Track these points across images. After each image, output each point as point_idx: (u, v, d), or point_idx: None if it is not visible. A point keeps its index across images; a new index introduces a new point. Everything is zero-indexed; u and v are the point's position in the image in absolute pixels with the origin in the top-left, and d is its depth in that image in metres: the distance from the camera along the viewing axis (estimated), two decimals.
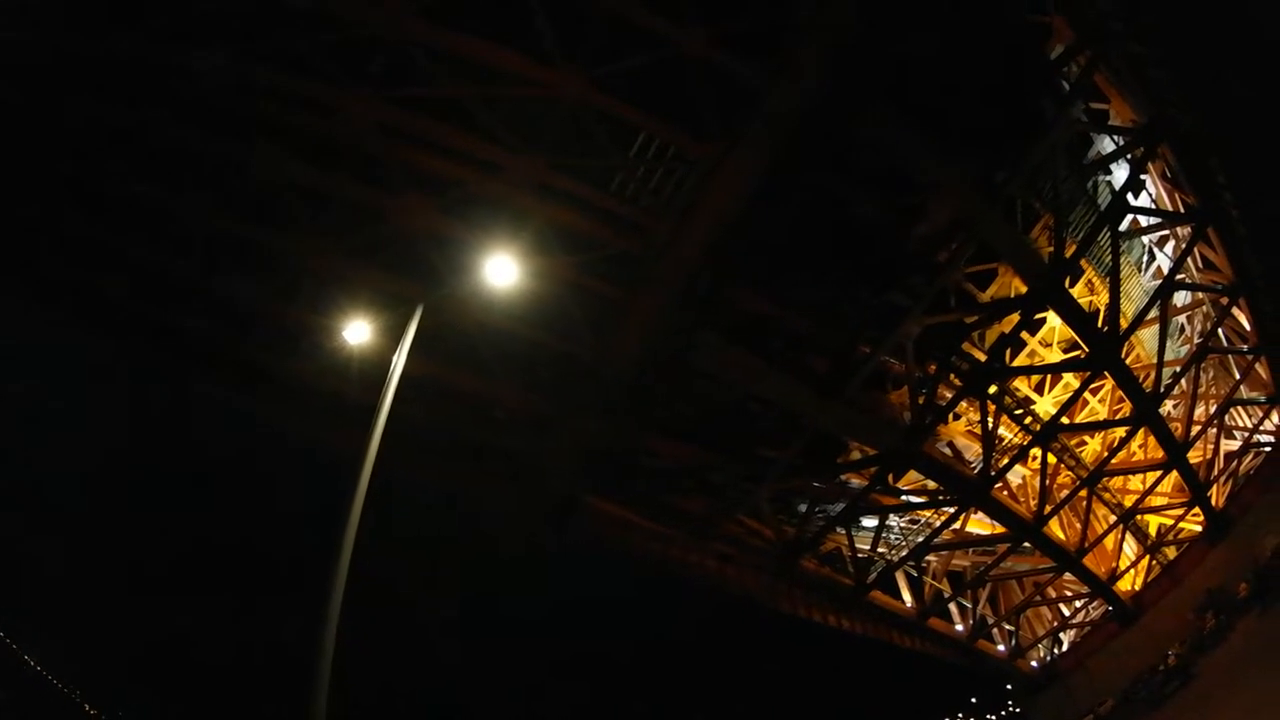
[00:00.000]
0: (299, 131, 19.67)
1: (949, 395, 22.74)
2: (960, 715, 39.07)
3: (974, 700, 38.57)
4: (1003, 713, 38.21)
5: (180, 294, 20.46)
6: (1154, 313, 26.28)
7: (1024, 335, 25.30)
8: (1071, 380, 26.69)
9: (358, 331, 17.46)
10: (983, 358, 23.41)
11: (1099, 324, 24.63)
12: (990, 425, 23.24)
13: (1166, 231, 28.57)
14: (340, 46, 18.81)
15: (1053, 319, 25.89)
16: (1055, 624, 33.68)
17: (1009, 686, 35.90)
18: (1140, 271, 29.03)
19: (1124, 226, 26.26)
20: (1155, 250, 29.54)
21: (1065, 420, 25.54)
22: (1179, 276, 27.16)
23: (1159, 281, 27.40)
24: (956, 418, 25.23)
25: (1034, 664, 34.34)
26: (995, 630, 31.02)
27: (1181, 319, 32.11)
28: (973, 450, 25.39)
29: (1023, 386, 26.55)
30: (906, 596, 26.58)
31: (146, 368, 21.93)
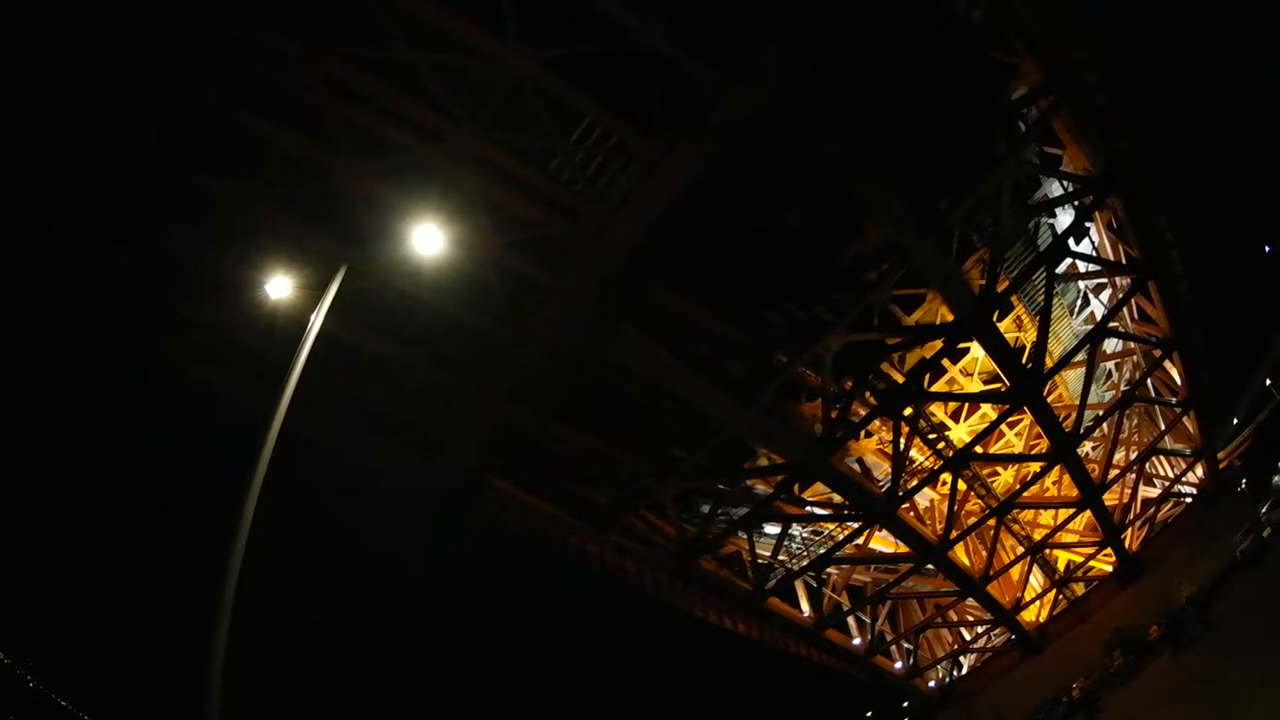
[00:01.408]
0: (249, 76, 19.51)
1: (863, 412, 23.08)
2: None
3: (869, 714, 39.31)
4: None
5: (115, 233, 20.26)
6: (1082, 355, 26.72)
7: (945, 362, 25.73)
8: (989, 411, 27.18)
9: (279, 286, 17.40)
10: (901, 380, 23.77)
11: (1023, 360, 25.11)
12: (902, 446, 23.57)
13: (1104, 280, 29.05)
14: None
15: (976, 350, 26.33)
16: (956, 646, 34.36)
17: (905, 704, 36.57)
18: (1072, 315, 29.60)
19: (1061, 269, 26.68)
20: (1090, 296, 30.08)
21: (979, 449, 26.04)
22: (1113, 324, 27.63)
23: (1090, 326, 27.94)
24: (869, 435, 25.63)
25: (931, 684, 34.99)
26: (894, 647, 31.61)
27: (1110, 365, 32.80)
28: (882, 469, 25.80)
29: (939, 412, 27.01)
30: (805, 606, 27.00)
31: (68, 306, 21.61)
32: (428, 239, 16.42)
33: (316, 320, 14.49)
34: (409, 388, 20.19)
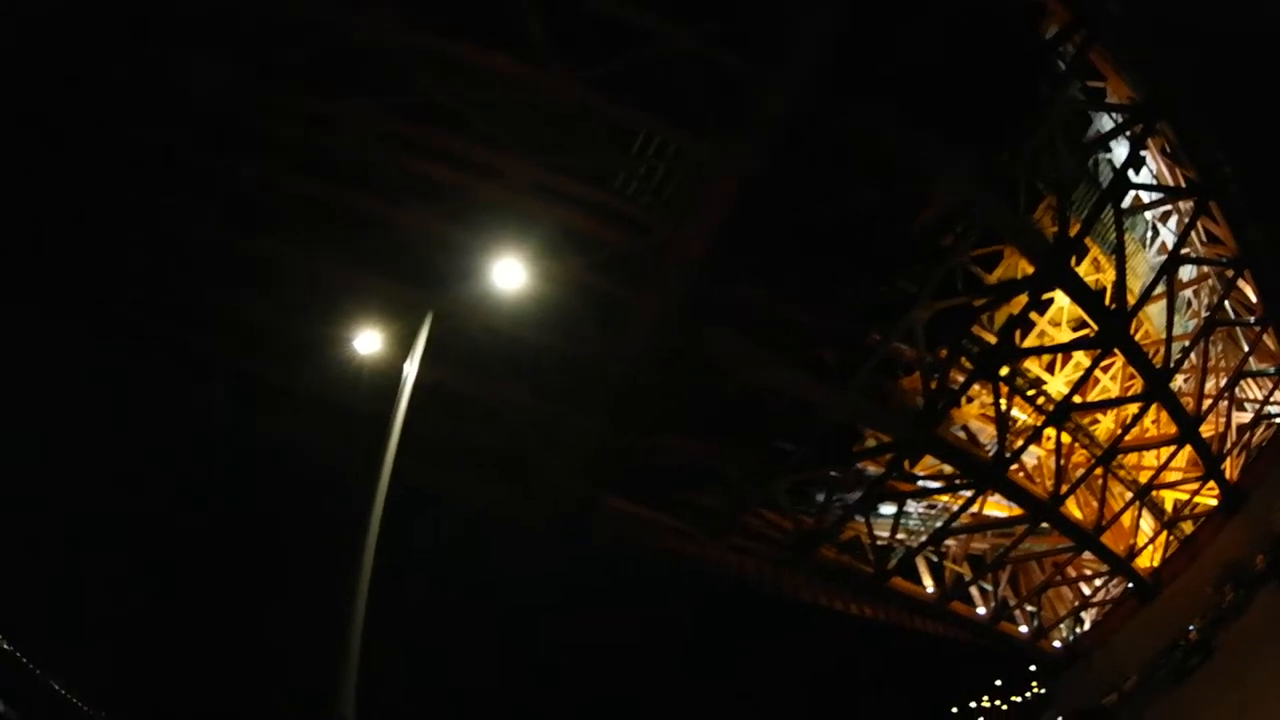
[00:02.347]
0: (297, 142, 19.78)
1: (960, 379, 22.71)
2: (985, 699, 39.04)
3: (999, 683, 38.53)
4: (1028, 694, 38.06)
5: (184, 309, 20.58)
6: (1160, 288, 26.17)
7: (1033, 316, 25.28)
8: (1082, 359, 26.61)
9: (368, 341, 17.51)
10: (993, 340, 23.35)
11: (1106, 302, 24.60)
12: (1003, 407, 23.21)
13: (1169, 207, 28.48)
14: (330, 56, 18.95)
15: (1061, 298, 25.83)
16: (1076, 603, 33.57)
17: (1032, 668, 35.80)
18: (1145, 248, 28.97)
19: (1127, 203, 26.17)
20: (1159, 226, 29.45)
21: (1077, 399, 25.50)
22: (1184, 251, 27.09)
23: (1164, 257, 27.35)
24: (969, 401, 25.21)
25: (1056, 644, 34.26)
26: (1017, 612, 30.95)
27: (1188, 293, 32.01)
28: (987, 433, 25.36)
29: (1034, 367, 26.50)
30: (927, 581, 26.55)
31: (153, 382, 22.03)
32: (508, 273, 16.36)
33: (411, 369, 14.48)
34: (509, 421, 20.20)
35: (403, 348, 15.36)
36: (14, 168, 20.31)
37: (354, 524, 12.39)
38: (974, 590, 29.06)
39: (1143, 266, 28.52)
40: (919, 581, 26.78)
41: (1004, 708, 39.04)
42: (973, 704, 39.28)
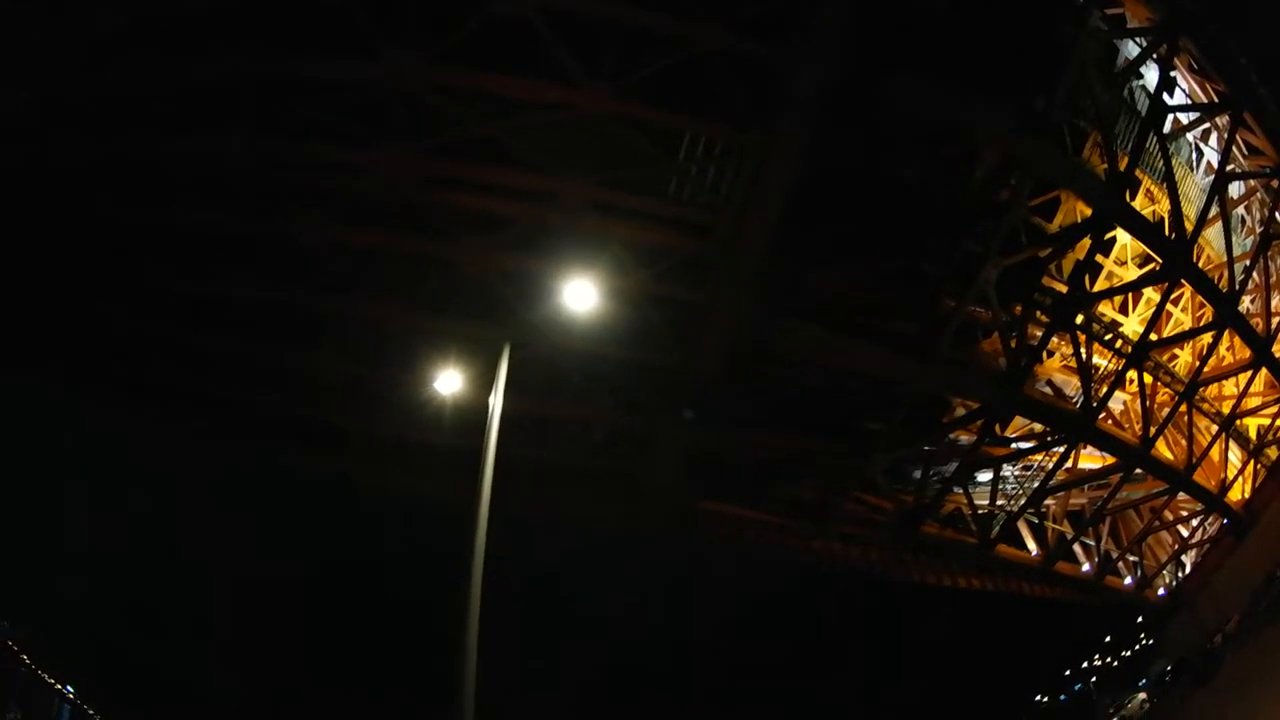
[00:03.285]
0: (340, 196, 19.84)
1: (1039, 333, 22.27)
2: (1096, 657, 38.13)
3: (1108, 639, 37.64)
4: (1136, 647, 37.13)
5: (253, 375, 20.64)
6: (1214, 210, 25.69)
7: (1099, 259, 24.77)
8: (1152, 295, 26.08)
9: (449, 381, 17.39)
10: (1064, 289, 22.93)
11: (1166, 232, 24.20)
12: (1084, 355, 22.77)
13: (1207, 125, 28.01)
14: (358, 107, 19.02)
15: (1122, 236, 25.40)
16: (1175, 547, 32.80)
17: (1139, 619, 34.96)
18: (1192, 170, 28.53)
19: (1167, 129, 25.78)
20: (1201, 146, 29.02)
21: (1154, 336, 25.01)
22: (1229, 168, 26.62)
23: (1212, 177, 26.90)
24: (1050, 355, 24.71)
25: (1160, 591, 33.46)
26: (1120, 564, 30.26)
27: (1240, 210, 31.43)
28: (1071, 385, 24.87)
29: (1108, 310, 26.01)
30: (1031, 545, 26.03)
31: (233, 451, 22.09)
32: (579, 294, 16.03)
33: (495, 402, 14.24)
34: (597, 440, 20.07)
35: (485, 382, 15.22)
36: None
37: (459, 562, 12.23)
38: (1076, 548, 28.46)
39: (1193, 190, 28.04)
40: (1023, 546, 26.26)
41: (1115, 664, 38.13)
42: (1085, 664, 38.37)
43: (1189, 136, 28.34)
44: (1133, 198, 25.32)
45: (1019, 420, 23.69)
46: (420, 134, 18.85)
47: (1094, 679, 39.17)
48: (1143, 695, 39.10)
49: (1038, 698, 38.81)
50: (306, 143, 19.08)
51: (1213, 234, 28.98)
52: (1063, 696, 38.41)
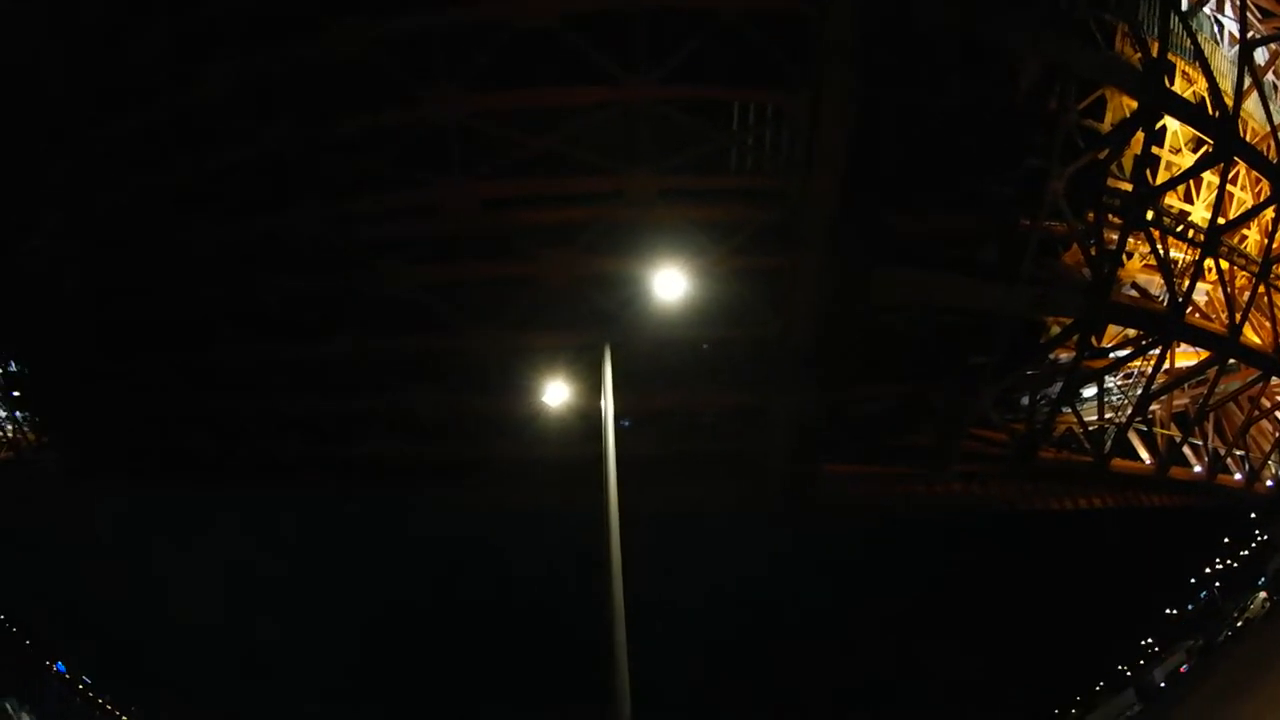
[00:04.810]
0: (413, 240, 20.01)
1: (1114, 237, 22.08)
2: (1217, 560, 37.57)
3: (1226, 539, 37.06)
4: (1253, 545, 36.55)
5: (361, 426, 20.77)
6: (1248, 81, 25.45)
7: (1155, 150, 24.58)
8: (1212, 178, 25.83)
9: (557, 393, 17.39)
10: (1129, 187, 22.74)
11: (1210, 112, 24.04)
12: (1161, 251, 22.57)
13: None
14: (411, 151, 19.22)
15: (1171, 123, 25.19)
16: (1277, 435, 32.34)
17: (1252, 515, 34.43)
18: (1219, 44, 28.38)
19: (1185, 5, 25.68)
20: (1219, 18, 28.87)
21: (1221, 220, 24.78)
22: (1250, 34, 26.43)
23: (1236, 48, 26.71)
24: (1129, 257, 24.50)
25: (1269, 483, 32.97)
26: (1229, 460, 29.77)
27: (1269, 78, 31.20)
28: (1155, 284, 24.58)
29: (1175, 202, 25.76)
30: (1144, 455, 25.66)
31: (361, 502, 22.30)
32: (668, 283, 16.00)
33: (606, 404, 14.17)
34: (706, 422, 19.99)
35: (591, 387, 15.22)
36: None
37: (598, 568, 12.13)
38: (1186, 450, 28.02)
39: (1224, 65, 27.82)
40: (1136, 457, 25.91)
41: (1235, 566, 37.53)
42: (1208, 569, 37.82)
43: (1205, 9, 28.21)
44: (1171, 82, 25.20)
45: (1112, 330, 23.42)
46: (478, 162, 19.05)
47: (1217, 584, 38.59)
48: (1263, 595, 38.52)
49: (1167, 610, 38.31)
50: (370, 195, 19.35)
51: (1251, 106, 28.75)
52: (1189, 605, 37.90)
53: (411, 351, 19.66)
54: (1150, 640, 41.95)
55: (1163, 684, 40.93)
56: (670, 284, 15.83)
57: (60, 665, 51.80)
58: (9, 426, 24.12)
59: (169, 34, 18.02)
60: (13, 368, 23.37)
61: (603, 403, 14.12)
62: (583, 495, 17.03)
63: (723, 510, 22.38)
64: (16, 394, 23.76)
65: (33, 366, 23.07)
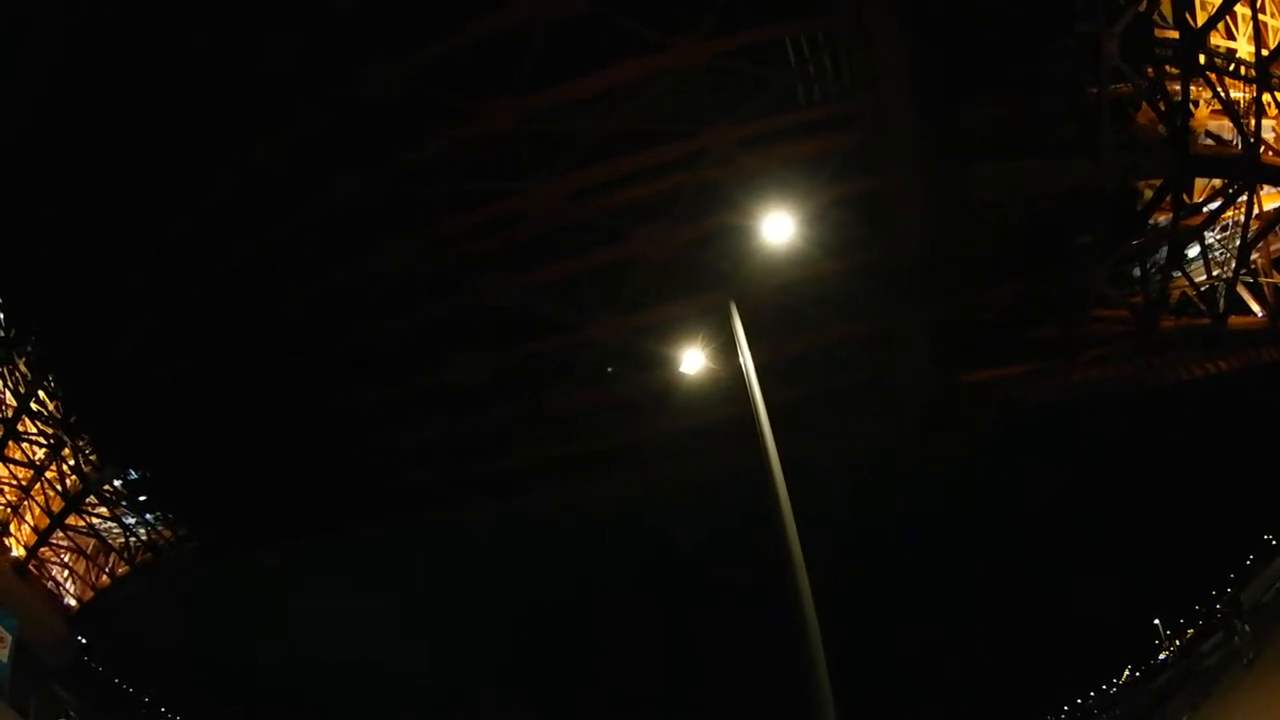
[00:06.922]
0: (505, 247, 19.97)
1: (1176, 89, 21.97)
2: None
3: None
4: None
5: (498, 440, 20.63)
6: None
7: None
8: (1244, 10, 25.79)
9: (693, 360, 17.13)
10: (1176, 34, 22.72)
11: None
12: (1223, 93, 22.43)
13: None
14: (481, 164, 19.27)
15: None
16: None
17: None
18: None
19: None
20: None
21: (1264, 51, 24.69)
22: None
23: None
24: (1196, 105, 24.35)
25: None
26: None
27: None
28: (1225, 129, 24.38)
29: (1220, 40, 25.64)
30: (1255, 308, 25.25)
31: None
32: (776, 227, 15.74)
33: (746, 360, 13.92)
34: (840, 357, 19.75)
35: (726, 348, 15.00)
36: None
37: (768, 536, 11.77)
38: None
39: None
40: (1248, 312, 25.54)
41: None
42: None
43: None
44: None
45: (1199, 182, 23.23)
46: (553, 159, 19.08)
47: None
48: None
49: None
50: (452, 218, 19.37)
51: None
52: None
53: (543, 355, 19.56)
54: None
55: None
56: (777, 228, 15.56)
57: None
58: (142, 530, 24.09)
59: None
60: (132, 475, 23.32)
61: (742, 359, 13.87)
62: (737, 455, 16.76)
63: (877, 440, 22.04)
64: (143, 498, 23.68)
65: (152, 469, 22.97)
